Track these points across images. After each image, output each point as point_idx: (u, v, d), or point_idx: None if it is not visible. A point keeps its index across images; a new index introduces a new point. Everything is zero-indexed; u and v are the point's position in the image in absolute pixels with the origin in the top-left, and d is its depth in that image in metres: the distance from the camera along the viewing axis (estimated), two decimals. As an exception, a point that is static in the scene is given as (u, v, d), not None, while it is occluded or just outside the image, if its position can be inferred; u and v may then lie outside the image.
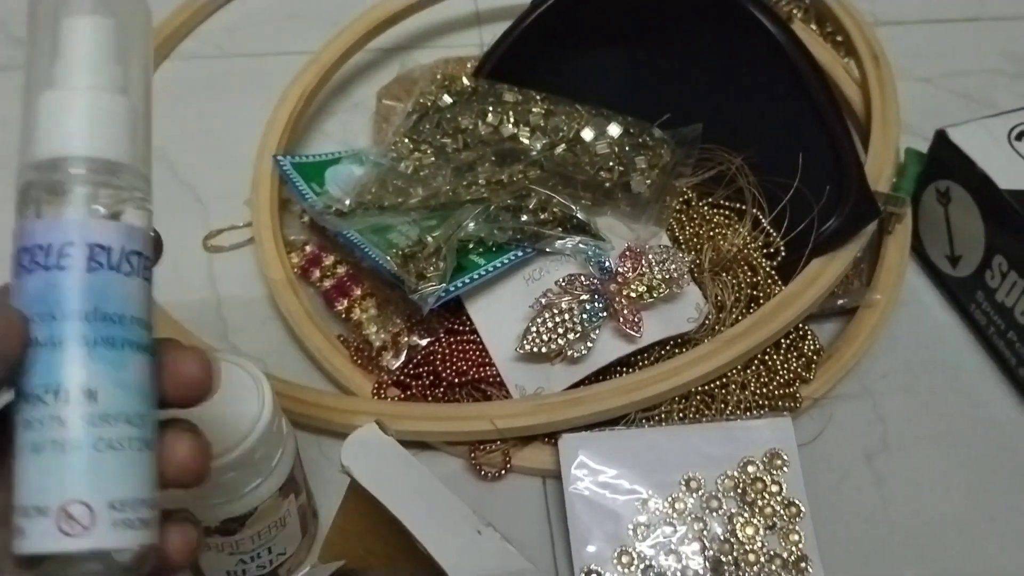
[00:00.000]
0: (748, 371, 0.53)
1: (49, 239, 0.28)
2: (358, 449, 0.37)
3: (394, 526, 0.36)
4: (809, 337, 0.55)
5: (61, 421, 0.27)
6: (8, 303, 0.27)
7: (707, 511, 0.49)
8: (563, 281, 0.52)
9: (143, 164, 0.30)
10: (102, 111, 0.29)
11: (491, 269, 0.52)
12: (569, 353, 0.51)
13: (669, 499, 0.49)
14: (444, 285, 0.50)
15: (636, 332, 0.51)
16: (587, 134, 0.57)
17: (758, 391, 0.53)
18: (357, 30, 0.69)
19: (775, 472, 0.50)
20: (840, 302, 0.57)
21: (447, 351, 0.53)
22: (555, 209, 0.53)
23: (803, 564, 0.48)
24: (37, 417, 0.27)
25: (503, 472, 0.51)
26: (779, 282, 0.55)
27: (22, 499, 0.27)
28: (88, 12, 0.29)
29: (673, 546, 0.48)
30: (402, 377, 0.54)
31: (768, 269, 0.55)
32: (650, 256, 0.53)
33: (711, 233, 0.56)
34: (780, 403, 0.53)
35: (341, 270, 0.58)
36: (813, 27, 0.70)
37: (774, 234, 0.56)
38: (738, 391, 0.53)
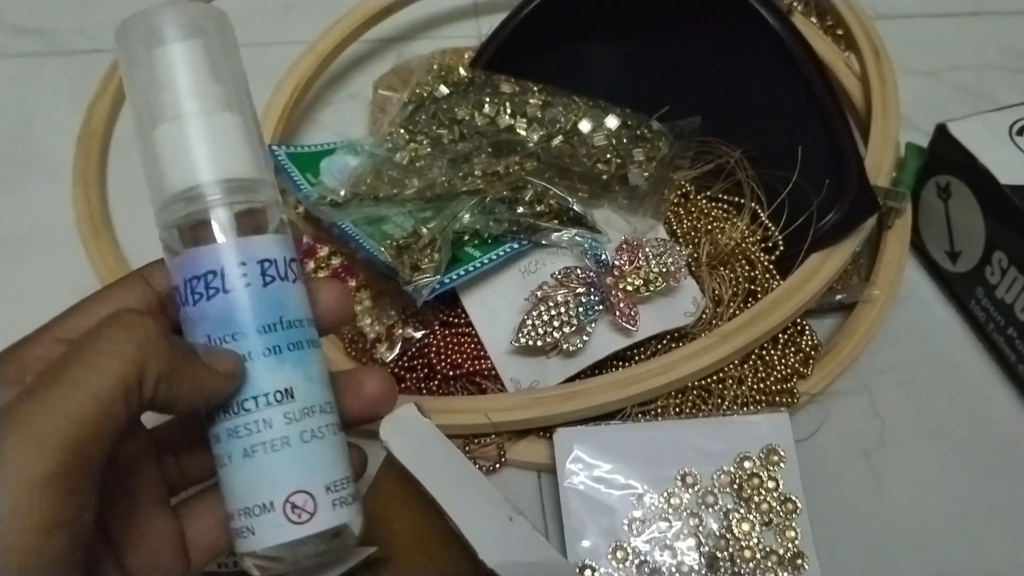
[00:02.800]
0: (745, 366, 0.53)
1: (219, 263, 0.29)
2: (397, 426, 0.37)
3: (425, 507, 0.36)
4: (807, 332, 0.55)
5: (268, 423, 0.29)
6: (222, 349, 0.29)
7: (703, 507, 0.49)
8: (559, 274, 0.51)
9: (267, 171, 0.31)
10: (218, 132, 0.30)
11: (486, 261, 0.52)
12: (565, 347, 0.50)
13: (665, 494, 0.49)
14: (439, 277, 0.50)
15: (632, 326, 0.50)
16: (584, 126, 0.57)
17: (755, 386, 0.52)
18: (353, 20, 0.68)
19: (772, 468, 0.49)
20: (838, 297, 0.57)
21: (442, 344, 0.53)
22: (552, 201, 0.53)
23: (799, 560, 0.47)
24: (243, 424, 0.29)
25: (497, 466, 0.51)
26: (777, 276, 0.55)
27: (242, 501, 0.29)
28: (178, 39, 0.30)
29: (668, 542, 0.48)
30: (396, 370, 0.53)
31: (766, 263, 0.55)
32: (647, 249, 0.52)
33: (709, 227, 0.56)
34: (777, 398, 0.52)
35: (335, 261, 0.58)
36: (813, 20, 0.70)
37: (772, 228, 0.55)
38: (735, 386, 0.52)
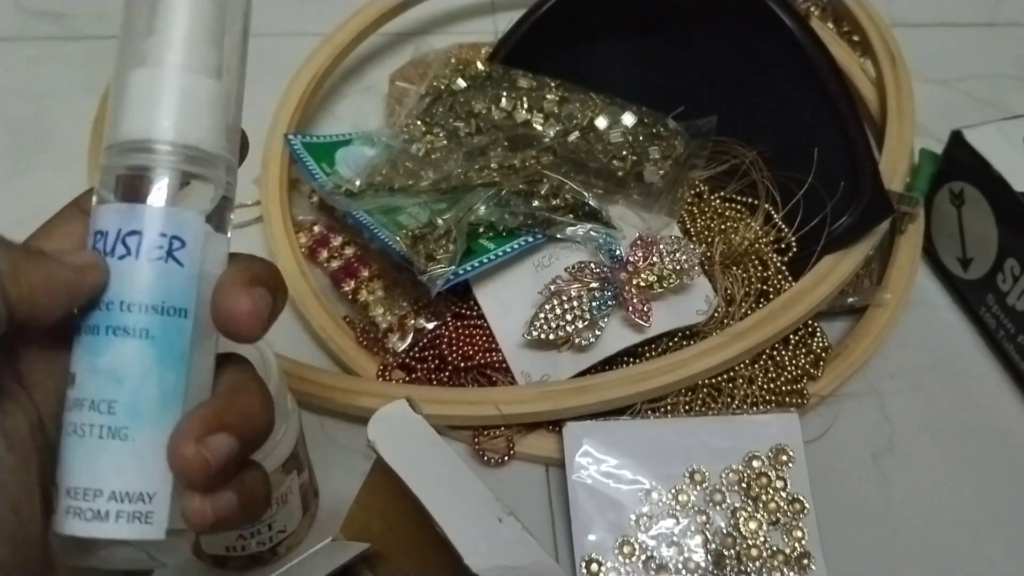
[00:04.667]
0: (756, 366, 0.53)
1: (141, 226, 0.27)
2: (385, 425, 0.37)
3: (417, 505, 0.35)
4: (818, 334, 0.55)
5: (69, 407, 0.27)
6: (78, 251, 0.27)
7: (711, 504, 0.49)
8: (573, 268, 0.51)
9: (230, 152, 0.29)
10: (193, 94, 0.28)
11: (501, 254, 0.52)
12: (577, 341, 0.51)
13: (673, 491, 0.49)
14: (453, 268, 0.50)
15: (645, 322, 0.50)
16: (601, 122, 0.57)
17: (765, 386, 0.52)
18: (371, 13, 0.68)
19: (780, 468, 0.49)
20: (850, 300, 0.57)
21: (453, 335, 0.53)
22: (567, 195, 0.53)
23: (805, 561, 0.47)
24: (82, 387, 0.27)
25: (506, 458, 0.51)
26: (790, 278, 0.55)
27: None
28: None
29: (675, 538, 0.48)
30: (407, 360, 0.53)
31: (779, 264, 0.55)
32: (661, 246, 0.52)
33: (723, 226, 0.56)
34: (787, 399, 0.52)
35: (349, 251, 0.58)
36: (830, 26, 0.70)
37: (786, 229, 0.55)
38: (745, 385, 0.52)
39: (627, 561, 0.47)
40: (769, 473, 0.49)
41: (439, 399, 0.51)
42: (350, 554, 0.37)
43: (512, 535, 0.35)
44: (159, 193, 0.27)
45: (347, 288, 0.56)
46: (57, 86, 0.70)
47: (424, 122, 0.60)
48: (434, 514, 0.34)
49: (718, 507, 0.49)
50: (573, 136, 0.57)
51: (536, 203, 0.53)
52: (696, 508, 0.48)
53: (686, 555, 0.47)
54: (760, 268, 0.55)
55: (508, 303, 0.53)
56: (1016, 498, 0.51)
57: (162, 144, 0.27)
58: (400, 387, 0.52)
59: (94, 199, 0.28)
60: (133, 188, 0.27)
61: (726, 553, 0.47)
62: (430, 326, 0.54)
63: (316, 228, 0.59)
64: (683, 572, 0.47)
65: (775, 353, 0.53)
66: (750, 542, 0.48)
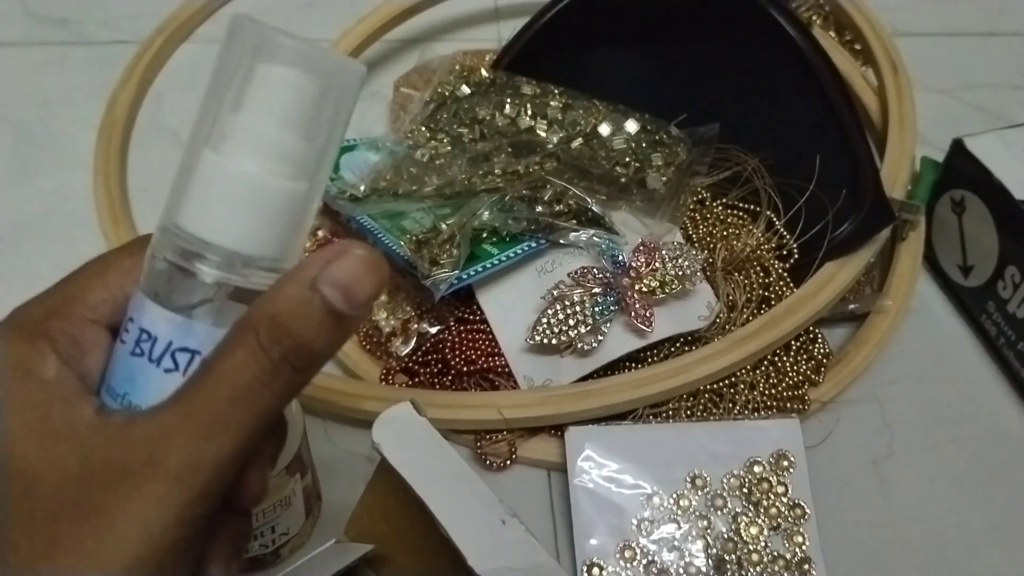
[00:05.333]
0: (757, 371, 0.53)
1: (161, 333, 0.26)
2: (390, 427, 0.37)
3: (420, 507, 0.35)
4: (819, 340, 0.55)
5: None
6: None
7: (712, 509, 0.49)
8: (576, 273, 0.52)
9: (294, 258, 0.26)
10: (263, 201, 0.25)
11: (504, 259, 0.52)
12: (579, 346, 0.51)
13: (674, 496, 0.49)
14: (456, 272, 0.50)
15: (647, 327, 0.51)
16: (604, 129, 0.57)
17: (767, 392, 0.53)
18: (375, 20, 0.69)
19: (781, 473, 0.49)
20: (851, 307, 0.57)
21: (456, 339, 0.53)
22: (570, 201, 0.53)
23: (806, 566, 0.47)
24: None
25: (508, 462, 0.51)
26: (791, 284, 0.55)
27: None
28: (287, 63, 0.25)
29: (677, 543, 0.48)
30: (410, 364, 0.53)
31: (781, 271, 0.55)
32: (664, 252, 0.53)
33: (725, 233, 0.56)
34: (788, 405, 0.52)
35: (353, 256, 0.58)
36: (832, 34, 0.70)
37: (787, 236, 0.56)
38: (747, 391, 0.53)
39: (628, 565, 0.47)
40: (770, 478, 0.49)
41: (442, 403, 0.51)
42: (354, 556, 0.38)
43: (515, 537, 0.35)
44: (213, 312, 0.26)
45: (351, 292, 0.57)
46: (63, 91, 0.71)
47: (428, 128, 0.60)
48: (438, 516, 0.35)
49: (719, 512, 0.49)
50: (576, 142, 0.57)
51: (539, 209, 0.53)
52: (697, 513, 0.49)
53: (687, 560, 0.48)
54: (762, 274, 0.55)
55: (511, 308, 0.53)
56: (1016, 504, 0.51)
57: (223, 252, 0.25)
58: (403, 391, 0.52)
59: (143, 275, 0.27)
60: (185, 285, 0.26)
61: (727, 558, 0.47)
62: (433, 330, 0.54)
63: (320, 233, 0.60)
64: (684, 576, 0.47)
65: (776, 359, 0.54)
66: (751, 547, 0.48)
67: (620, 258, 0.52)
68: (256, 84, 0.25)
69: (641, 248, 0.53)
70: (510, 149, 0.57)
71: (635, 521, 0.48)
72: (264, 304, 0.25)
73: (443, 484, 0.36)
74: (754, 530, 0.48)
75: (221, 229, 0.25)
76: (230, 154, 0.25)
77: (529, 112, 0.58)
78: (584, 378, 0.51)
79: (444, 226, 0.52)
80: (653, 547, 0.48)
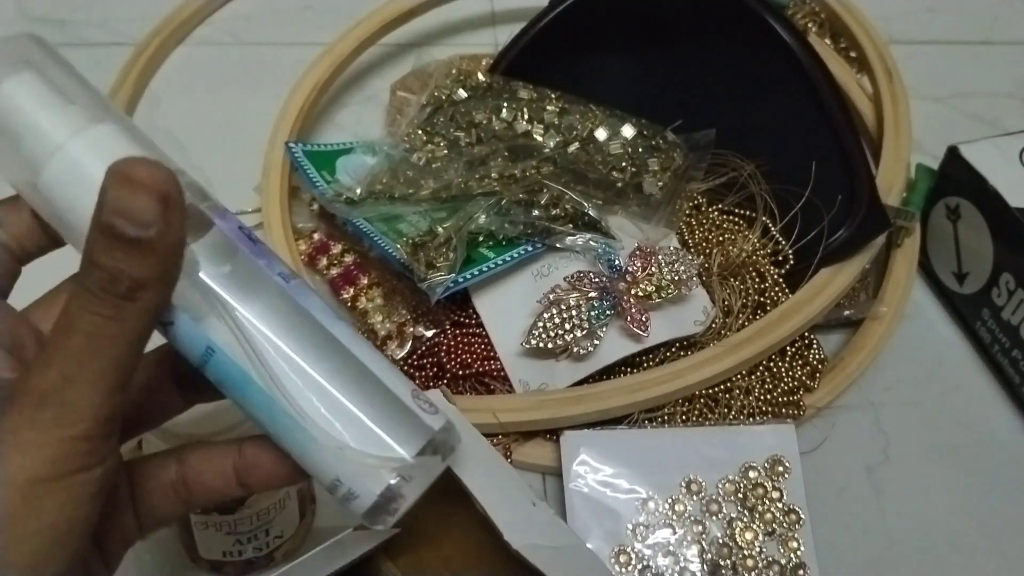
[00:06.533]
0: (753, 377, 0.53)
1: None
2: None
3: (442, 495, 0.35)
4: (814, 346, 0.55)
5: None
6: None
7: (707, 514, 0.49)
8: (572, 277, 0.52)
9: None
10: (102, 144, 0.27)
11: (500, 263, 0.52)
12: (575, 350, 0.51)
13: (669, 500, 0.49)
14: (453, 276, 0.50)
15: (643, 331, 0.51)
16: (601, 134, 0.57)
17: (762, 397, 0.53)
18: (372, 24, 0.69)
19: (776, 479, 0.49)
20: (846, 313, 0.57)
21: (452, 343, 0.53)
22: (567, 205, 0.53)
23: (801, 571, 0.47)
24: None
25: (503, 467, 0.51)
26: (787, 290, 0.55)
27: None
28: (8, 76, 0.28)
29: (672, 548, 0.48)
30: (406, 367, 0.53)
31: (776, 276, 0.55)
32: (660, 257, 0.53)
33: (720, 238, 0.56)
34: (784, 410, 0.52)
35: (348, 259, 0.58)
36: (827, 42, 0.70)
37: (783, 242, 0.56)
38: (742, 396, 0.53)
39: (623, 570, 0.47)
40: (765, 484, 0.49)
41: (437, 406, 0.51)
42: (375, 540, 0.37)
43: (546, 518, 0.36)
44: None
45: (346, 295, 0.57)
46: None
47: (425, 131, 0.60)
48: (475, 492, 0.35)
49: (714, 517, 0.49)
50: (573, 147, 0.57)
51: (536, 213, 0.53)
52: (692, 518, 0.49)
53: (682, 565, 0.47)
54: (757, 280, 0.55)
55: (507, 311, 0.53)
56: (1010, 510, 0.51)
57: None
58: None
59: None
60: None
61: (722, 563, 0.47)
62: (429, 334, 0.54)
63: (316, 236, 0.60)
64: (679, 581, 0.47)
65: (772, 364, 0.54)
66: (746, 552, 0.48)
67: (616, 262, 0.52)
68: (4, 109, 0.27)
69: (637, 253, 0.53)
70: (507, 153, 0.57)
71: (630, 526, 0.48)
72: (85, 243, 0.25)
73: (476, 466, 0.36)
74: (749, 535, 0.48)
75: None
76: (49, 154, 0.27)
77: (526, 116, 0.59)
78: (580, 382, 0.51)
79: (440, 229, 0.52)
80: (648, 552, 0.48)
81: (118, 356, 0.25)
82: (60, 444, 0.25)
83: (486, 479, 0.35)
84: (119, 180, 0.24)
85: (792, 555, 0.48)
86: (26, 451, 0.25)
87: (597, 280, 0.52)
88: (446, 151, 0.58)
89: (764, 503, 0.49)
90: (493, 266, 0.52)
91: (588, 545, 0.47)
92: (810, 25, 0.71)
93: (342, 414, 0.28)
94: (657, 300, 0.52)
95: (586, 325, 0.51)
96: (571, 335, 0.50)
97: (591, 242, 0.53)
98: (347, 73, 0.70)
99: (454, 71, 0.63)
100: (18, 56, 0.28)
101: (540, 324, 0.51)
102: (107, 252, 0.24)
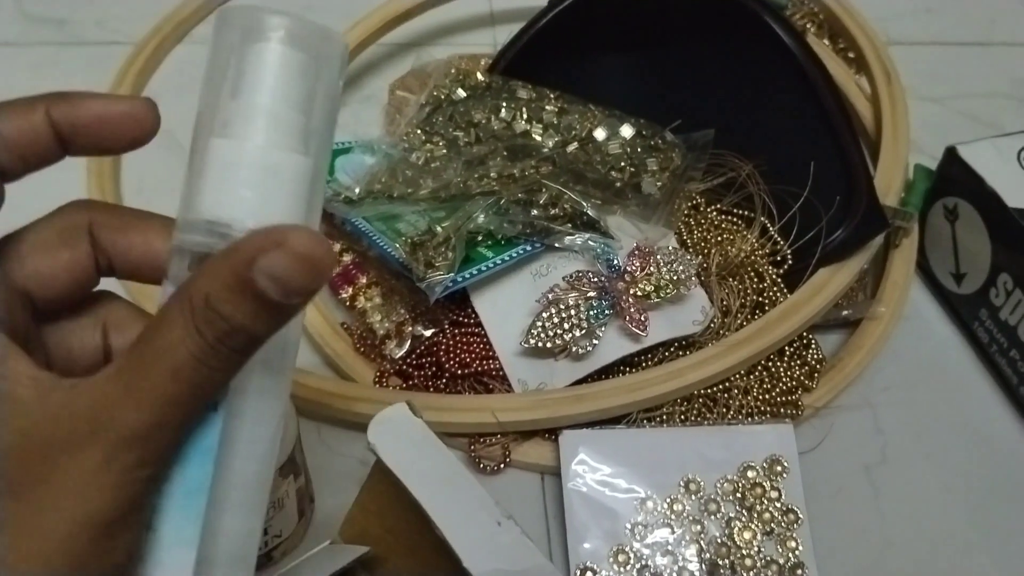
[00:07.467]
0: (751, 376, 0.53)
1: None
2: (385, 427, 0.37)
3: (416, 508, 0.35)
4: (813, 346, 0.55)
5: None
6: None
7: (705, 514, 0.49)
8: (571, 277, 0.52)
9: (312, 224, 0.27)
10: (277, 173, 0.26)
11: (499, 262, 0.52)
12: (574, 349, 0.51)
13: (668, 500, 0.49)
14: (451, 275, 0.50)
15: (642, 331, 0.51)
16: (599, 134, 0.57)
17: (760, 397, 0.53)
18: (371, 24, 0.69)
19: (775, 478, 0.49)
20: (844, 313, 0.57)
21: (451, 343, 0.53)
22: (566, 205, 0.53)
23: (799, 571, 0.47)
24: None
25: (502, 466, 0.51)
26: (785, 290, 0.55)
27: None
28: (284, 43, 0.26)
29: (670, 547, 0.48)
30: (404, 367, 0.53)
31: (774, 276, 0.55)
32: (658, 256, 0.53)
33: (719, 238, 0.56)
34: (782, 410, 0.53)
35: (347, 258, 0.58)
36: (826, 42, 0.71)
37: (782, 242, 0.56)
38: (740, 396, 0.53)
39: (622, 570, 0.47)
40: (764, 483, 0.49)
41: (436, 406, 0.51)
42: (348, 557, 0.37)
43: (511, 539, 0.35)
44: None
45: (345, 295, 0.57)
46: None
47: (424, 131, 0.60)
48: (433, 517, 0.35)
49: (713, 517, 0.49)
50: (572, 147, 0.57)
51: (535, 212, 0.53)
52: (691, 518, 0.49)
53: (681, 564, 0.48)
54: (756, 280, 0.55)
55: (506, 311, 0.53)
56: (1008, 510, 0.52)
57: (245, 228, 0.25)
58: (397, 394, 0.52)
59: (170, 275, 0.27)
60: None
61: (720, 563, 0.47)
62: (428, 333, 0.54)
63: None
64: (677, 581, 0.47)
65: (770, 364, 0.54)
66: (744, 552, 0.48)
67: (615, 262, 0.53)
68: (250, 66, 0.26)
69: (636, 252, 0.53)
70: (505, 153, 0.57)
71: (629, 525, 0.48)
72: (201, 279, 0.24)
73: (439, 485, 0.36)
74: (747, 535, 0.48)
75: (240, 206, 0.26)
76: (236, 136, 0.26)
77: (525, 116, 0.59)
78: (578, 382, 0.51)
79: (439, 229, 0.52)
80: (647, 551, 0.48)
81: (204, 403, 0.25)
82: (135, 484, 0.24)
83: (448, 501, 0.35)
84: (277, 244, 0.23)
85: (790, 555, 0.48)
86: (104, 492, 0.24)
87: (596, 280, 0.52)
88: (445, 150, 0.58)
89: (762, 503, 0.49)
90: (492, 266, 0.52)
91: (586, 545, 0.48)
92: (809, 26, 0.71)
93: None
94: (656, 300, 0.52)
95: (585, 325, 0.51)
96: (570, 335, 0.50)
97: (590, 242, 0.53)
98: (346, 72, 0.70)
99: (453, 71, 0.63)
100: (311, 42, 0.27)
101: (539, 324, 0.51)
102: (236, 305, 0.24)
